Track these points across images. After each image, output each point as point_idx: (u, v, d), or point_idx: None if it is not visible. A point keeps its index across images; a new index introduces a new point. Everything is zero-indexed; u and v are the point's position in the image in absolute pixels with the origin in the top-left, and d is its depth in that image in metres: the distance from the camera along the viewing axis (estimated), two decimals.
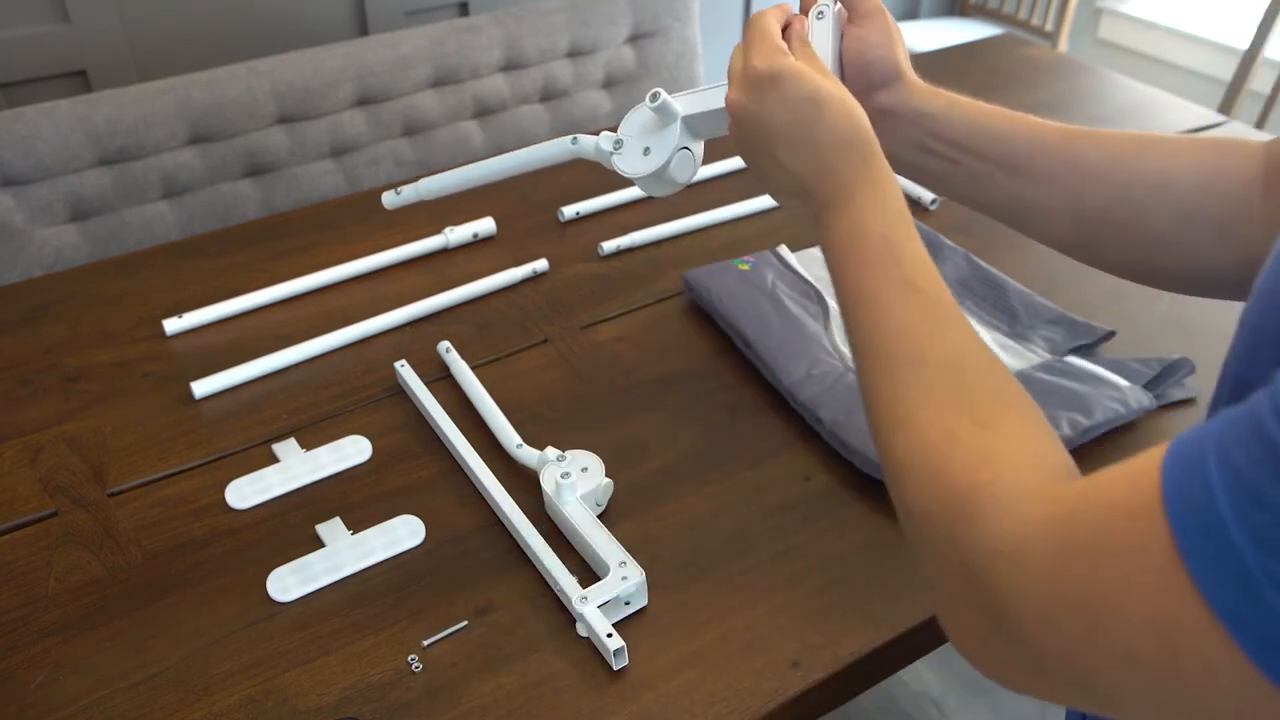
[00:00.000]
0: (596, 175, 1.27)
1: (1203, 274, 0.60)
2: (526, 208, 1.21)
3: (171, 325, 0.99)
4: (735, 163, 1.28)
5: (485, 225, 1.14)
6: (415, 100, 1.60)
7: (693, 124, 0.66)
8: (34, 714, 0.64)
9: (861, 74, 0.63)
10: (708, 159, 1.30)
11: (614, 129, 0.69)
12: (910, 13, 3.00)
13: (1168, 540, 0.33)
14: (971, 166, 0.64)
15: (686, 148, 0.66)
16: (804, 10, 0.65)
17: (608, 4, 1.71)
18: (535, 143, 0.74)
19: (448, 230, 1.12)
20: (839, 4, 0.64)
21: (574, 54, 1.72)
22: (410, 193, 0.77)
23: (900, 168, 0.66)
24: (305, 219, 1.20)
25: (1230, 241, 0.57)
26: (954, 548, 0.43)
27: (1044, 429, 0.46)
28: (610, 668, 0.66)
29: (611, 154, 0.67)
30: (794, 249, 1.07)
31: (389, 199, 0.78)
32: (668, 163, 0.65)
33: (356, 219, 1.19)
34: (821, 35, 0.63)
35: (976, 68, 1.57)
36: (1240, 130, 1.40)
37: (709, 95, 0.65)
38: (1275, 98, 1.93)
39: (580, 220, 1.18)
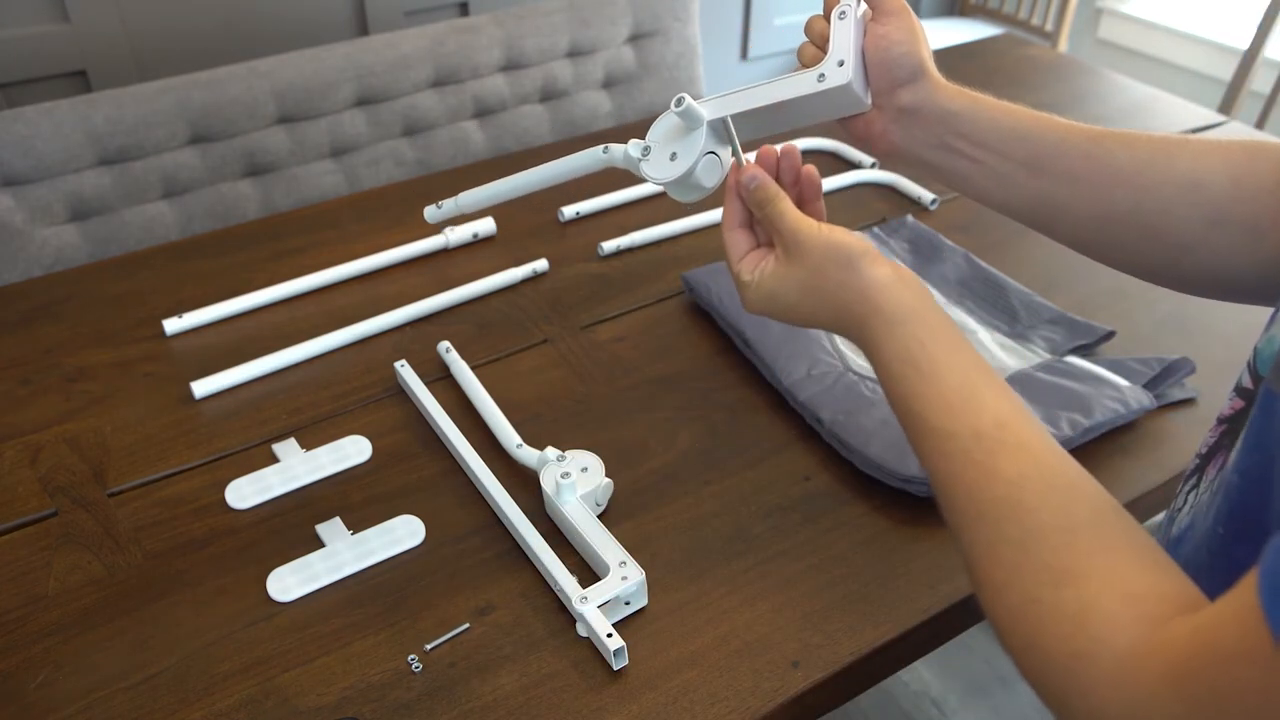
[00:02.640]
0: (596, 175, 1.27)
1: (1228, 277, 0.59)
2: (526, 208, 1.21)
3: (171, 325, 0.99)
4: None
5: (485, 225, 1.14)
6: (415, 100, 1.60)
7: (719, 129, 0.66)
8: (34, 714, 0.64)
9: (884, 72, 0.63)
10: None
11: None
12: None
13: None
14: (995, 166, 0.63)
15: (713, 152, 0.66)
16: (826, 10, 0.65)
17: (608, 4, 1.71)
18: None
19: (448, 230, 1.12)
20: (863, 3, 0.64)
21: (574, 54, 1.72)
22: (450, 206, 0.78)
23: (923, 167, 0.66)
24: (305, 219, 1.20)
25: (1259, 244, 0.57)
26: (1069, 712, 0.41)
27: (1127, 551, 0.43)
28: (610, 668, 0.66)
29: (640, 160, 0.68)
30: None
31: (430, 212, 0.79)
32: (694, 167, 0.65)
33: (356, 219, 1.19)
34: (843, 35, 0.63)
35: (976, 68, 1.57)
36: (1240, 130, 1.40)
37: (735, 99, 0.65)
38: (1275, 98, 1.92)
39: (580, 220, 1.18)
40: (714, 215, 1.16)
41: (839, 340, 0.93)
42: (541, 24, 1.65)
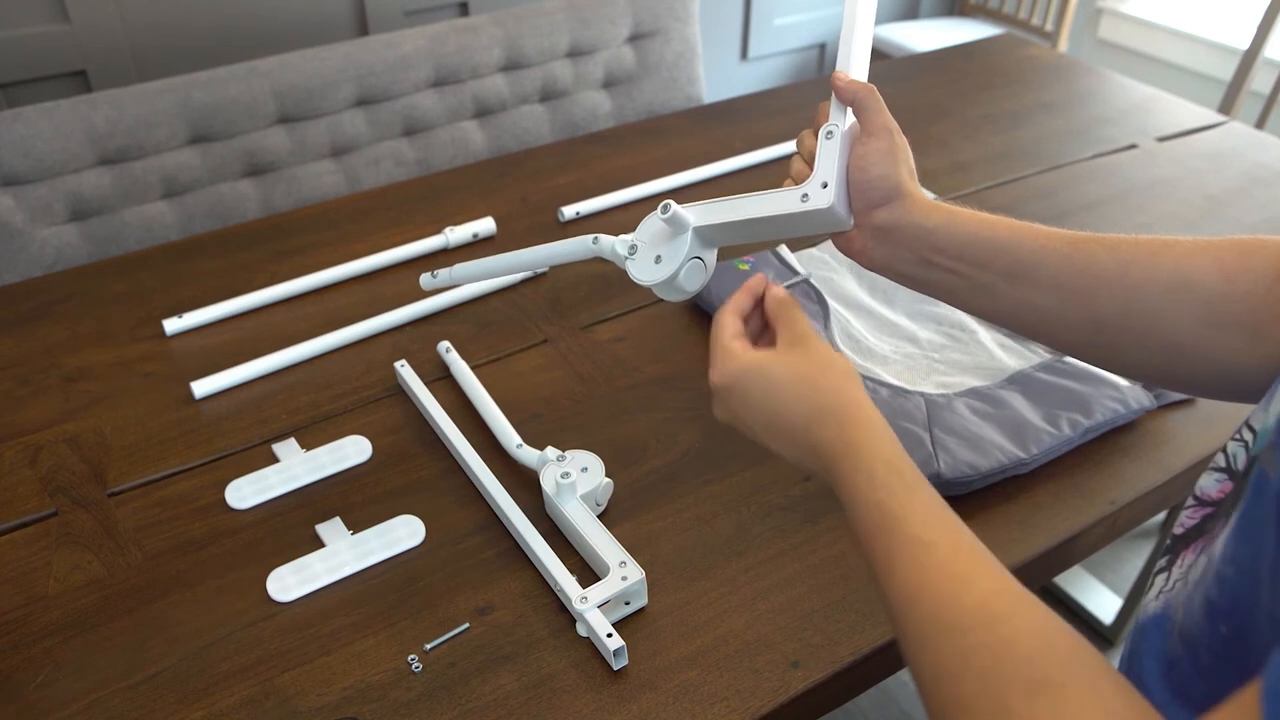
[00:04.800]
0: (596, 175, 1.28)
1: (1230, 378, 0.57)
2: (526, 208, 1.21)
3: (171, 325, 0.99)
4: (734, 163, 1.28)
5: (485, 225, 1.14)
6: (415, 100, 1.60)
7: (705, 234, 0.66)
8: (34, 714, 0.64)
9: (861, 192, 0.63)
10: (707, 158, 1.30)
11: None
12: (910, 13, 3.00)
13: None
14: (976, 278, 0.62)
15: (699, 257, 0.66)
16: (816, 126, 0.65)
17: (608, 4, 1.71)
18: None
19: (448, 230, 1.12)
20: (852, 116, 0.64)
21: (574, 54, 1.72)
22: (445, 275, 0.83)
23: (906, 281, 0.65)
24: (305, 219, 1.20)
25: (1259, 343, 0.55)
26: None
27: (1103, 671, 0.41)
28: (610, 668, 0.66)
29: (626, 259, 0.68)
30: (794, 249, 1.07)
31: (425, 280, 0.85)
32: (677, 272, 0.66)
33: (356, 219, 1.19)
34: (828, 156, 0.63)
35: (976, 68, 1.57)
36: (1240, 130, 1.40)
37: (722, 207, 0.65)
38: (1275, 98, 1.92)
39: (580, 220, 1.18)
40: None
41: (838, 340, 0.93)
42: (541, 24, 1.65)
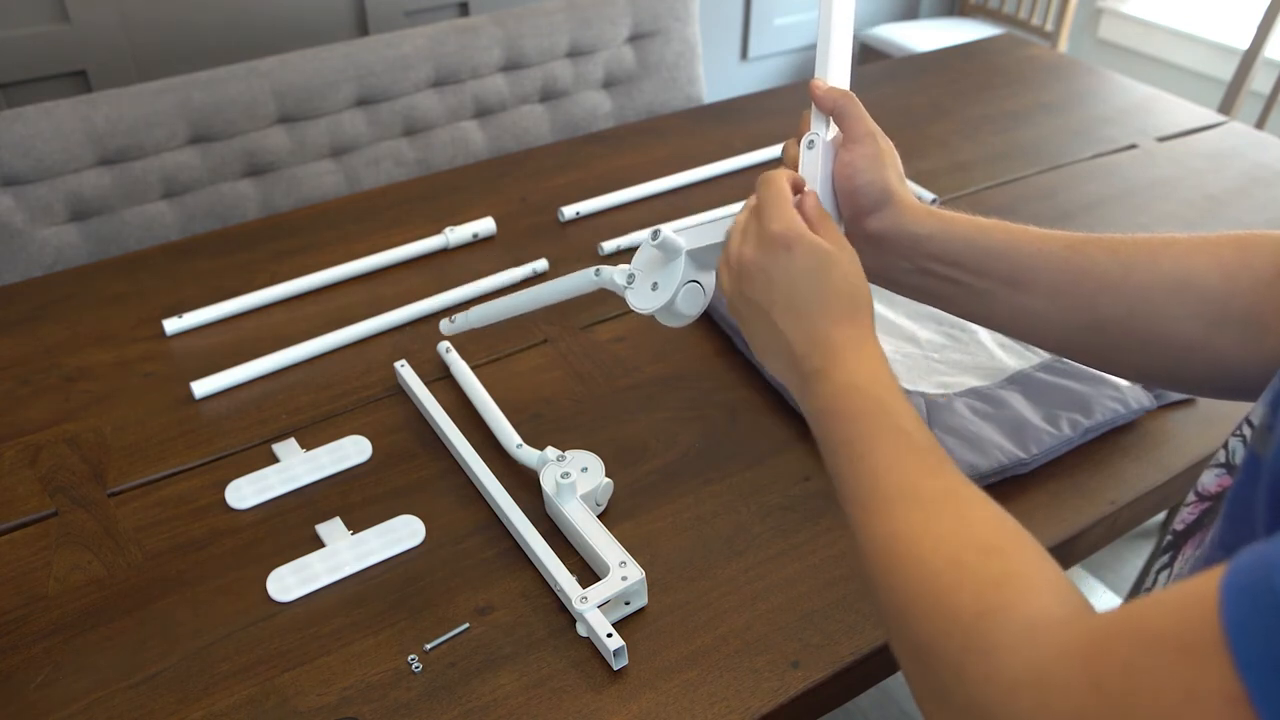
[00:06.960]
0: (596, 175, 1.28)
1: (1234, 376, 0.57)
2: (526, 208, 1.21)
3: (171, 325, 0.99)
4: (734, 163, 1.28)
5: (485, 225, 1.14)
6: (415, 100, 1.60)
7: (699, 257, 0.66)
8: (34, 714, 0.64)
9: (850, 200, 0.62)
10: (707, 158, 1.30)
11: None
12: (910, 13, 3.00)
13: (1230, 681, 0.29)
14: (973, 285, 0.61)
15: (695, 280, 0.66)
16: (799, 136, 0.64)
17: (608, 4, 1.71)
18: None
19: (448, 230, 1.12)
20: (834, 126, 0.63)
21: (574, 54, 1.71)
22: (461, 320, 0.86)
23: (901, 290, 0.64)
24: (305, 219, 1.20)
25: (1263, 340, 0.54)
26: (962, 683, 0.39)
27: (1051, 560, 0.43)
28: (610, 668, 0.66)
29: (625, 288, 0.68)
30: None
31: (445, 326, 0.88)
32: (674, 298, 0.65)
33: (356, 219, 1.19)
34: (811, 165, 0.62)
35: (976, 68, 1.57)
36: (1240, 130, 1.40)
37: (715, 227, 0.65)
38: (1275, 98, 1.92)
39: (580, 220, 1.18)
40: (714, 216, 1.16)
41: None
42: (541, 24, 1.65)
